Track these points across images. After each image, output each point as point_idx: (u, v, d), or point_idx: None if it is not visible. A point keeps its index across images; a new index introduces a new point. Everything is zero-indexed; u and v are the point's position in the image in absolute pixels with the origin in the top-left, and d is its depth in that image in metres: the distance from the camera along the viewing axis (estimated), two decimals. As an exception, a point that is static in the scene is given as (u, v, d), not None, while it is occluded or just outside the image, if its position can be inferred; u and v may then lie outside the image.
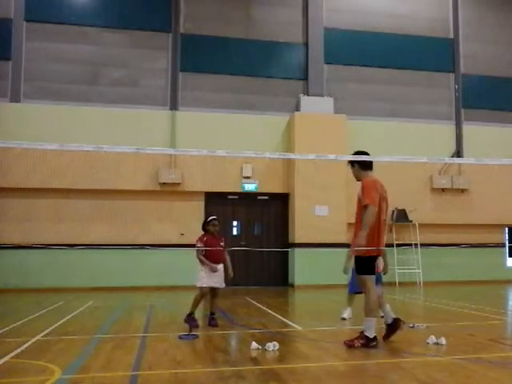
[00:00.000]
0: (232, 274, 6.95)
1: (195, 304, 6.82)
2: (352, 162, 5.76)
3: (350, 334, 6.26)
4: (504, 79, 15.75)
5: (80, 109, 13.19)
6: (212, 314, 6.86)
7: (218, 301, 7.06)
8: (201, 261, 6.86)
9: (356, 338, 5.31)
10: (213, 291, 6.90)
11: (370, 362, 4.71)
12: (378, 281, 7.14)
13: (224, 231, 13.61)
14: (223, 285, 6.91)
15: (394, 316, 5.68)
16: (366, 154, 5.76)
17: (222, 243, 6.99)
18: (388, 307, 5.88)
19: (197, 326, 6.55)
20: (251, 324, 6.97)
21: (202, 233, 7.05)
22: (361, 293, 7.23)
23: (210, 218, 7.14)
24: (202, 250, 6.84)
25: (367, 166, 5.69)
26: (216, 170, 13.13)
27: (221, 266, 6.89)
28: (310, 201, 13.42)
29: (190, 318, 6.70)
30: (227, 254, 7.06)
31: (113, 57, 13.81)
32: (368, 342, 5.24)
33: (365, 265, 5.45)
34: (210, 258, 6.83)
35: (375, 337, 5.28)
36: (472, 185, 14.74)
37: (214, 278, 6.79)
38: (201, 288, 6.81)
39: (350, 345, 5.26)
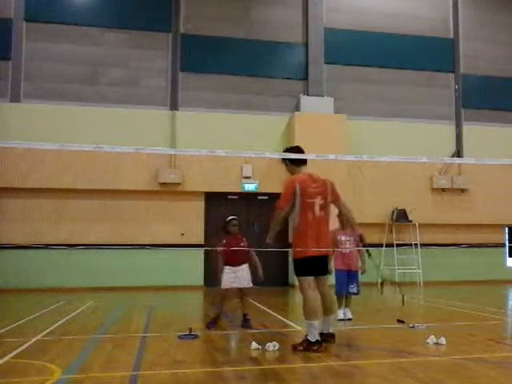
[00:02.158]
0: (262, 276, 6.74)
1: (218, 306, 6.75)
2: (285, 160, 5.53)
3: (349, 333, 6.27)
4: (504, 79, 15.74)
5: (80, 109, 13.19)
6: (244, 315, 6.77)
7: (246, 301, 6.89)
8: (219, 264, 6.72)
9: (300, 342, 5.11)
10: (240, 292, 6.77)
11: (370, 362, 4.71)
12: (354, 280, 7.13)
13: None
14: (250, 284, 6.73)
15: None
16: (298, 148, 5.60)
17: (242, 243, 6.79)
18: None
19: (209, 327, 6.46)
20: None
21: (223, 234, 6.90)
22: (355, 294, 7.25)
23: (230, 218, 6.91)
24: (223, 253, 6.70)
25: (301, 161, 5.45)
26: (216, 170, 13.11)
27: (244, 266, 6.72)
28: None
29: (211, 320, 6.65)
30: (254, 254, 6.85)
31: (113, 57, 13.81)
32: (309, 346, 4.99)
33: (298, 266, 5.25)
34: (229, 259, 6.67)
35: (317, 340, 5.02)
36: (472, 185, 14.73)
37: (236, 278, 6.65)
38: (222, 290, 6.70)
39: (294, 348, 5.09)
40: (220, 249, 6.76)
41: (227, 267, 6.70)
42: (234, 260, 6.68)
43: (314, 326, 5.05)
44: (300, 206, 5.23)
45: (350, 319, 7.15)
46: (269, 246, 5.42)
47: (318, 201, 5.24)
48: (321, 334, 5.24)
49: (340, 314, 7.21)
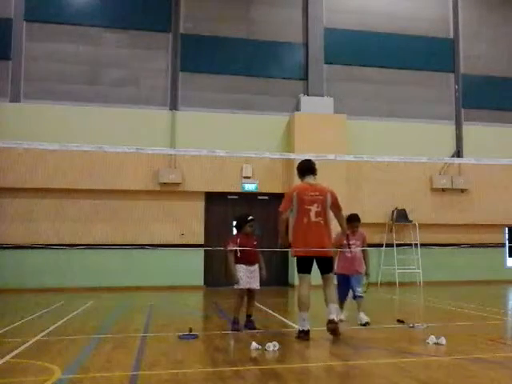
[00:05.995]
0: (265, 275, 6.63)
1: (236, 308, 6.55)
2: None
3: (349, 334, 6.26)
4: (504, 79, 15.75)
5: (80, 109, 13.19)
6: (249, 316, 6.61)
7: (254, 303, 6.74)
8: (231, 263, 6.51)
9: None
10: (250, 293, 6.60)
11: (370, 362, 4.71)
12: (359, 283, 6.99)
13: (224, 231, 13.64)
14: (258, 286, 6.61)
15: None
16: (304, 161, 6.29)
17: (255, 243, 6.69)
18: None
19: (238, 330, 6.36)
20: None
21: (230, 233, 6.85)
22: (359, 297, 7.11)
23: (249, 218, 6.78)
24: (236, 252, 6.52)
25: (305, 172, 6.16)
26: (216, 170, 13.12)
27: (256, 266, 6.59)
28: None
29: (233, 322, 6.50)
30: (261, 255, 6.73)
31: (113, 57, 13.80)
32: (299, 334, 5.74)
33: (296, 264, 6.04)
34: (243, 258, 6.52)
35: (304, 330, 5.67)
36: (472, 185, 14.73)
37: (252, 278, 6.50)
38: (240, 290, 6.52)
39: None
40: (232, 248, 6.59)
41: (243, 266, 6.50)
42: (248, 259, 6.54)
43: (301, 317, 5.77)
44: (297, 211, 5.94)
45: (366, 323, 6.80)
46: (282, 245, 6.13)
47: (315, 208, 5.88)
48: (328, 322, 5.83)
49: (341, 315, 7.12)
